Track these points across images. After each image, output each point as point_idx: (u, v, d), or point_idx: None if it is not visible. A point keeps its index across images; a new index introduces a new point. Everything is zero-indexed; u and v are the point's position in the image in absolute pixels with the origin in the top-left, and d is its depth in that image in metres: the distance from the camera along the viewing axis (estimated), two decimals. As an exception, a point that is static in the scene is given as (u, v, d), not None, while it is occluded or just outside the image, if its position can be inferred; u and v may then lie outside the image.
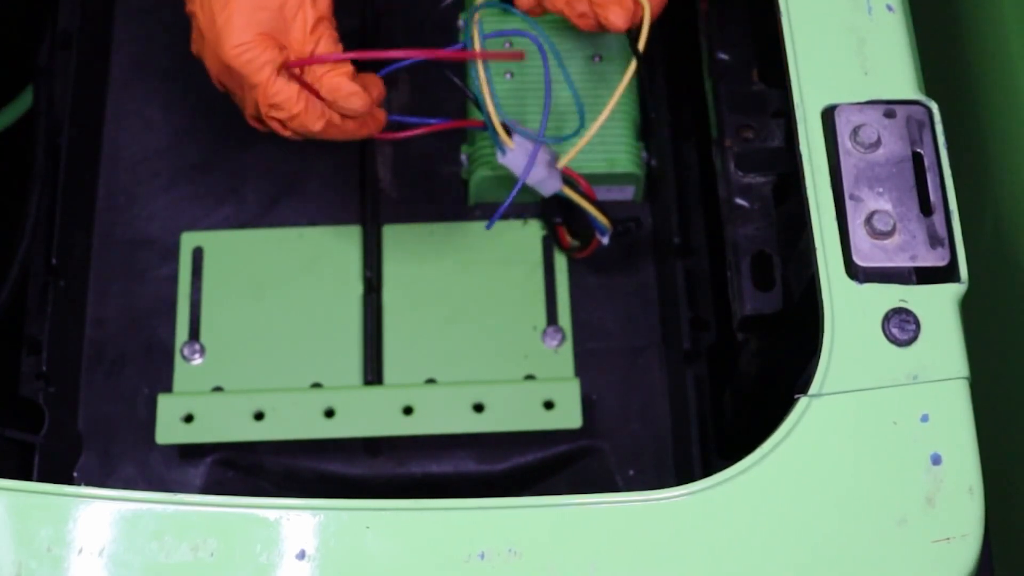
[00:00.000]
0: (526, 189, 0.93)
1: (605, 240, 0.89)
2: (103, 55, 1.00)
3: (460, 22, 0.98)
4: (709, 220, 0.91)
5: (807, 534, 0.57)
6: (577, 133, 0.83)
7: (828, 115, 0.64)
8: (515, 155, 0.82)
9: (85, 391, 0.91)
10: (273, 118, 0.76)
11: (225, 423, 0.85)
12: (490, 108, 0.80)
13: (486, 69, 0.79)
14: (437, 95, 0.97)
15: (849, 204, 0.62)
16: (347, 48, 0.78)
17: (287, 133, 0.78)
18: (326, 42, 0.75)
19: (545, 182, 0.84)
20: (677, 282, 0.90)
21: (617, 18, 0.76)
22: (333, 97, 0.75)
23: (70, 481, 0.88)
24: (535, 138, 0.82)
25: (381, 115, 0.80)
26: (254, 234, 0.94)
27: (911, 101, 0.65)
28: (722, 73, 0.75)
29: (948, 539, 0.57)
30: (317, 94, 0.75)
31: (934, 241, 0.62)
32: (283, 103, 0.75)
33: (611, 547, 0.57)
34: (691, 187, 0.92)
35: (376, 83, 0.79)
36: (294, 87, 0.75)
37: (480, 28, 0.80)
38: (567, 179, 0.85)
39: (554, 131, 0.89)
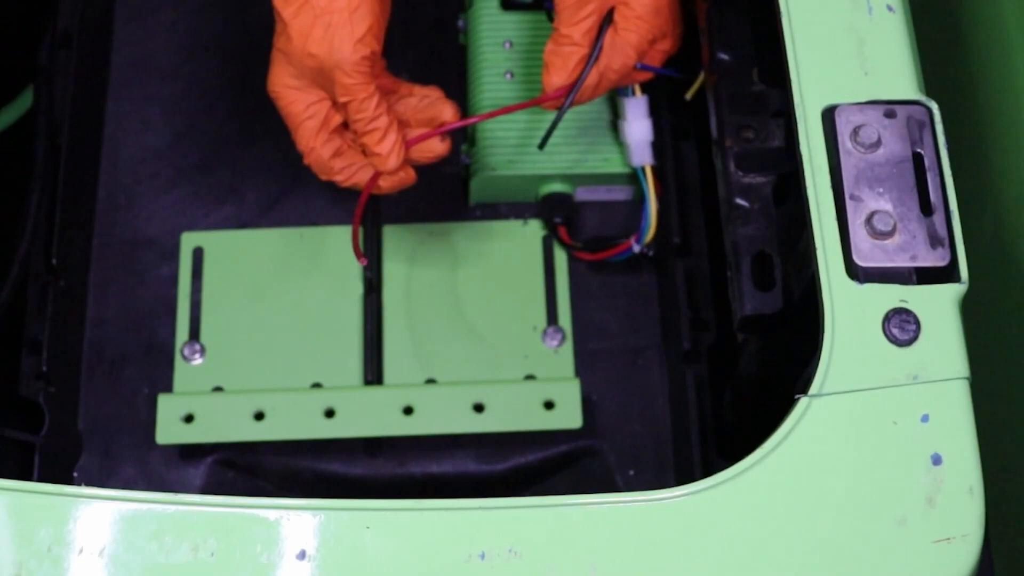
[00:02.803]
0: (531, 187, 0.93)
1: (637, 248, 0.90)
2: (103, 55, 1.00)
3: (460, 22, 0.98)
4: (709, 220, 0.91)
5: (807, 534, 0.57)
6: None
7: (828, 115, 0.64)
8: (636, 104, 0.87)
9: (85, 391, 0.91)
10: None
11: (225, 423, 0.85)
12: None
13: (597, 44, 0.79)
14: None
15: (849, 204, 0.62)
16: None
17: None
18: (363, 99, 0.78)
19: (643, 148, 0.88)
20: (677, 282, 0.90)
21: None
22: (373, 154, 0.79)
23: (70, 481, 0.88)
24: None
25: (411, 174, 0.82)
26: (254, 234, 0.94)
27: (911, 101, 0.65)
28: (722, 73, 0.75)
29: (948, 539, 0.57)
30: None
31: (934, 241, 0.62)
32: (303, 152, 0.82)
33: (611, 547, 0.57)
34: (691, 187, 0.92)
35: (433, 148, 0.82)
36: (311, 140, 0.81)
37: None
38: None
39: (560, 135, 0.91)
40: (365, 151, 0.80)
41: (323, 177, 0.82)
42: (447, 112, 0.81)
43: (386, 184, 0.81)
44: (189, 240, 0.93)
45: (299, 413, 0.85)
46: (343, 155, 0.81)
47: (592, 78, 0.79)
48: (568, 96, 0.79)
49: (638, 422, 0.90)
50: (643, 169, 0.88)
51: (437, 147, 0.81)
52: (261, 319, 0.91)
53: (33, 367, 0.87)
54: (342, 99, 0.77)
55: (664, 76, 0.86)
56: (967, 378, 0.60)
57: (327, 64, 0.75)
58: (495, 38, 0.94)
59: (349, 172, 0.81)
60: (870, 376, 0.60)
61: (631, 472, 0.89)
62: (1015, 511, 0.84)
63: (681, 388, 0.88)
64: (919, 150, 0.64)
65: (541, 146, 0.85)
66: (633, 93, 0.87)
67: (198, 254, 0.93)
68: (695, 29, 0.80)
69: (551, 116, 0.88)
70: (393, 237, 0.93)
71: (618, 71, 0.79)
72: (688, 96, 0.85)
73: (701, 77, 0.83)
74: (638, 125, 0.87)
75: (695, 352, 0.88)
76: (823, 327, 0.60)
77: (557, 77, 0.79)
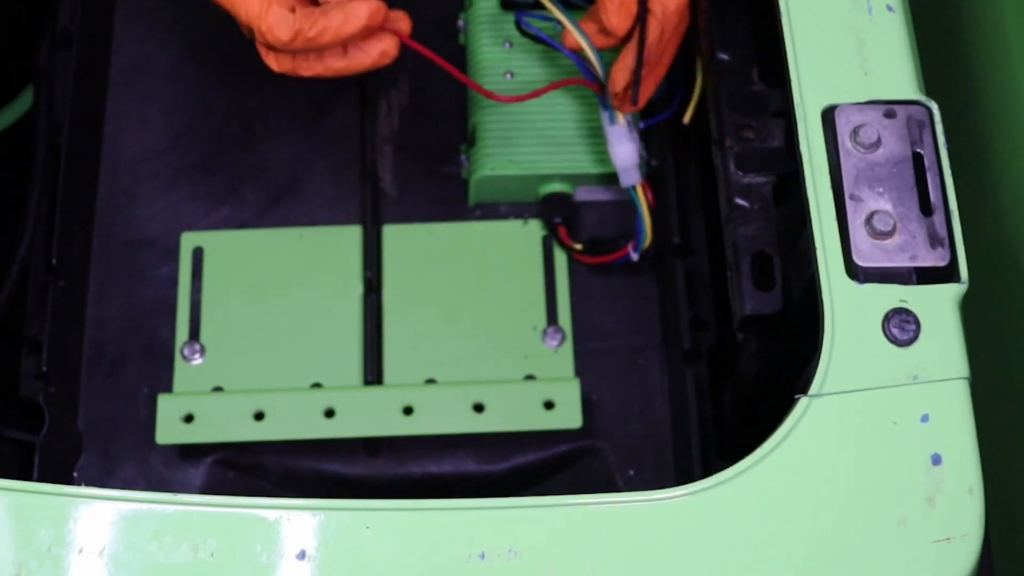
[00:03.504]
0: (531, 187, 0.93)
1: (635, 256, 0.90)
2: (103, 55, 1.00)
3: (460, 22, 0.98)
4: (709, 220, 0.91)
5: (807, 534, 0.57)
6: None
7: (828, 115, 0.64)
8: (619, 131, 0.85)
9: (85, 391, 0.91)
10: (257, 39, 0.75)
11: (225, 423, 0.85)
12: (600, 73, 0.82)
13: (592, 50, 0.80)
14: (438, 93, 0.98)
15: (849, 204, 0.62)
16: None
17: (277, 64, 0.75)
18: None
19: (629, 170, 0.86)
20: (677, 282, 0.90)
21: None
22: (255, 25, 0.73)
23: (70, 481, 0.88)
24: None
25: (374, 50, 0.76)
26: (254, 234, 0.94)
27: (911, 101, 0.65)
28: (722, 73, 0.75)
29: (948, 539, 0.57)
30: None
31: (934, 241, 0.62)
32: (252, 17, 0.73)
33: (611, 547, 0.57)
34: (691, 187, 0.92)
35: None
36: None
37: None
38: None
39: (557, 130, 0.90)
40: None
41: (285, 38, 0.72)
42: (402, 23, 0.77)
43: (361, 54, 0.75)
44: (189, 240, 0.93)
45: (299, 413, 0.85)
46: (304, 9, 0.73)
47: (654, 31, 0.76)
48: (639, 31, 0.75)
49: (638, 422, 0.90)
50: (633, 187, 0.88)
51: (388, 43, 0.75)
52: (261, 319, 0.91)
53: (33, 367, 0.87)
54: None
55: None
56: (967, 378, 0.60)
57: None
58: (495, 38, 0.94)
59: (312, 19, 0.72)
60: (870, 376, 0.60)
61: (631, 472, 0.89)
62: (1015, 511, 0.84)
63: (681, 388, 0.88)
64: (919, 150, 0.64)
65: (634, 102, 0.81)
66: (614, 121, 0.85)
67: (198, 254, 0.93)
68: (695, 29, 0.80)
69: (548, 114, 0.88)
70: (393, 237, 0.93)
71: (676, 12, 0.76)
72: (686, 120, 0.85)
73: (695, 97, 0.83)
74: (622, 150, 0.86)
75: (695, 352, 0.88)
76: (823, 327, 0.60)
77: (616, 16, 0.75)
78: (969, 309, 0.62)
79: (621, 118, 0.85)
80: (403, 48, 0.80)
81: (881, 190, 0.62)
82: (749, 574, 0.57)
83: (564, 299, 0.92)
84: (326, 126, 0.98)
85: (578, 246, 0.92)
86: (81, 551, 0.57)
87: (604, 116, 0.85)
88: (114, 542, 0.57)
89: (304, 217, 0.95)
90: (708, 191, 0.89)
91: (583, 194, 0.93)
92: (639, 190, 0.87)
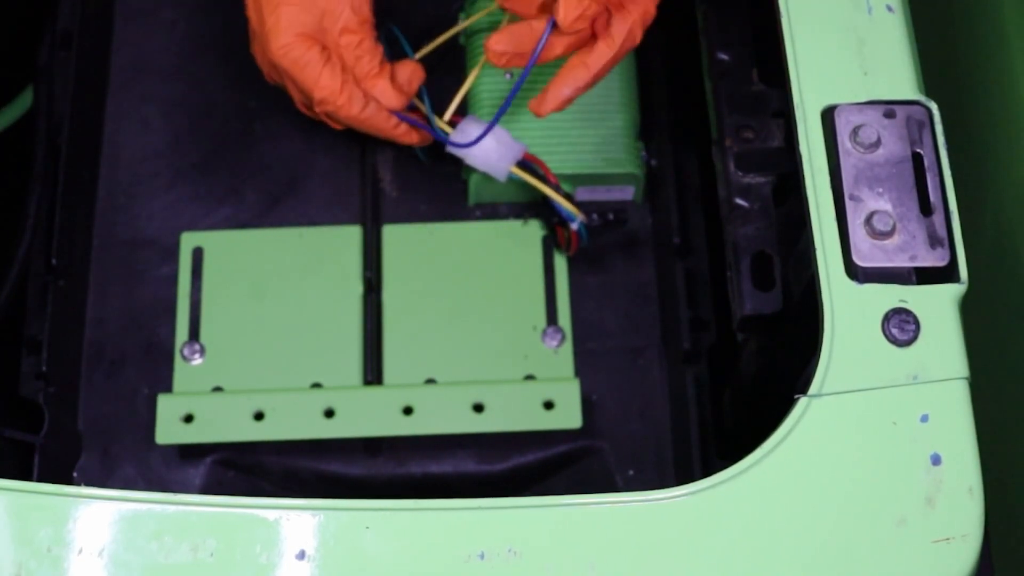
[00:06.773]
0: (531, 187, 0.93)
1: (575, 226, 0.89)
2: (103, 55, 1.00)
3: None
4: (709, 220, 0.91)
5: (807, 534, 0.57)
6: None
7: (828, 115, 0.64)
8: (456, 147, 0.86)
9: (85, 391, 0.91)
10: (323, 111, 0.83)
11: (225, 423, 0.85)
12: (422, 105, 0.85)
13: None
14: (438, 94, 0.97)
15: (849, 204, 0.62)
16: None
17: (336, 125, 0.86)
18: (368, 43, 0.83)
19: (492, 168, 0.86)
20: (677, 282, 0.90)
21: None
22: (377, 96, 0.83)
23: (70, 481, 0.88)
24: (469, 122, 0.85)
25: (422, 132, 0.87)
26: (254, 234, 0.94)
27: (911, 101, 0.65)
28: (722, 73, 0.75)
29: (948, 539, 0.57)
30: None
31: (934, 241, 0.62)
32: (328, 97, 0.82)
33: (611, 547, 0.57)
34: (691, 187, 0.92)
35: (415, 71, 0.86)
36: (337, 82, 0.81)
37: None
38: (528, 165, 0.87)
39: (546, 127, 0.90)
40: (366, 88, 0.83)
41: (359, 112, 0.83)
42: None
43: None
44: (189, 240, 0.93)
45: (299, 413, 0.85)
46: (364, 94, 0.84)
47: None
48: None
49: (638, 422, 0.90)
50: (516, 175, 0.87)
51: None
52: (261, 319, 0.91)
53: (33, 367, 0.87)
54: (354, 38, 0.82)
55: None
56: (967, 378, 0.60)
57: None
58: (495, 38, 0.94)
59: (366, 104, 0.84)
60: (870, 376, 0.60)
61: (631, 472, 0.89)
62: (1015, 511, 0.84)
63: (681, 388, 0.88)
64: (919, 150, 0.64)
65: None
66: (445, 139, 0.85)
67: (198, 254, 0.93)
68: (695, 29, 0.80)
69: (548, 115, 0.88)
70: (393, 237, 0.93)
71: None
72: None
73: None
74: (472, 159, 0.86)
75: (695, 352, 0.88)
76: (823, 327, 0.60)
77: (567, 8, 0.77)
78: (969, 309, 0.62)
79: (451, 131, 0.85)
80: (403, 45, 0.81)
81: (881, 190, 0.63)
82: (749, 574, 0.57)
83: (564, 299, 0.92)
84: (326, 126, 0.98)
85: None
86: (81, 551, 0.57)
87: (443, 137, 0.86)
88: (114, 542, 0.57)
89: (304, 217, 0.95)
90: (708, 191, 0.89)
91: (583, 194, 0.93)
92: (518, 171, 0.86)
